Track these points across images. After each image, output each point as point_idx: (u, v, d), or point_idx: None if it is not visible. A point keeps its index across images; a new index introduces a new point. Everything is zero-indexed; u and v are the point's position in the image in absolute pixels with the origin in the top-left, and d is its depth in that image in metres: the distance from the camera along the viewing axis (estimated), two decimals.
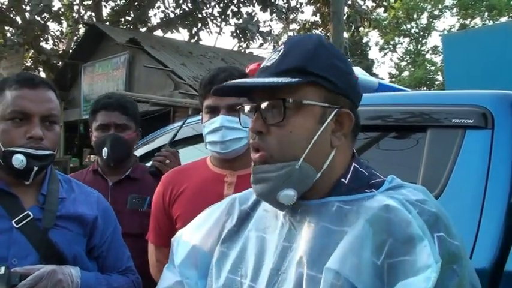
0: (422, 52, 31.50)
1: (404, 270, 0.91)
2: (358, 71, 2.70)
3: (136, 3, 18.07)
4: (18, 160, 1.58)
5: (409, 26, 31.38)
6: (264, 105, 1.07)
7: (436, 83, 28.40)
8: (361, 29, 18.89)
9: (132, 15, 18.30)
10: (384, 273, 0.92)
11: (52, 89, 1.70)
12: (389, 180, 1.08)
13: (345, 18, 13.69)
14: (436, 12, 30.77)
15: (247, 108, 1.14)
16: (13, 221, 1.61)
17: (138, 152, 3.11)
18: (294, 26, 20.35)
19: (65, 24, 19.18)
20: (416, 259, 0.91)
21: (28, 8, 16.44)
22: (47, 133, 1.63)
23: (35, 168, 1.61)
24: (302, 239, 1.05)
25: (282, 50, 1.09)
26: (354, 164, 1.10)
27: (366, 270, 0.93)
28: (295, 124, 1.04)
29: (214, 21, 18.39)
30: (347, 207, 1.03)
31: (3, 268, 1.49)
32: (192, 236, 1.29)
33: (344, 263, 0.95)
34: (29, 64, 18.92)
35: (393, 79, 29.45)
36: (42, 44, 17.89)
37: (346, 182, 1.07)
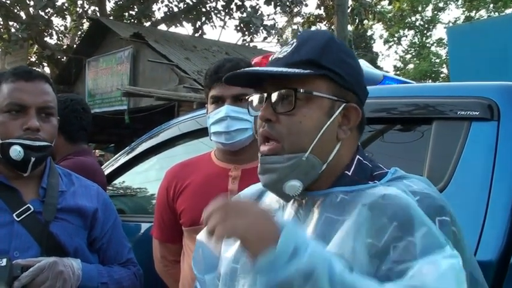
0: (427, 45, 31.35)
1: (405, 250, 0.92)
2: (362, 64, 2.69)
3: None
4: (16, 151, 1.59)
5: (413, 18, 31.23)
6: (274, 94, 1.08)
7: (441, 75, 28.30)
8: (365, 21, 18.83)
9: (136, 10, 18.27)
10: (386, 254, 0.94)
11: (48, 82, 1.71)
12: (392, 171, 1.11)
13: (349, 11, 13.66)
14: (441, 5, 30.59)
15: (256, 98, 1.15)
16: (14, 214, 1.62)
17: (142, 147, 3.12)
18: (298, 19, 20.32)
19: (69, 19, 19.21)
20: (418, 238, 0.92)
21: (32, 3, 16.43)
22: (43, 125, 1.64)
23: (32, 159, 1.62)
24: (306, 229, 1.07)
25: (294, 43, 1.12)
26: (358, 156, 1.12)
27: (363, 252, 0.95)
28: (305, 114, 1.06)
29: (218, 15, 18.37)
30: (349, 198, 1.05)
31: (4, 260, 1.50)
32: (205, 236, 1.32)
33: (342, 246, 0.98)
34: (33, 59, 18.95)
35: (398, 72, 29.35)
36: (47, 39, 17.89)
37: (350, 173, 1.09)
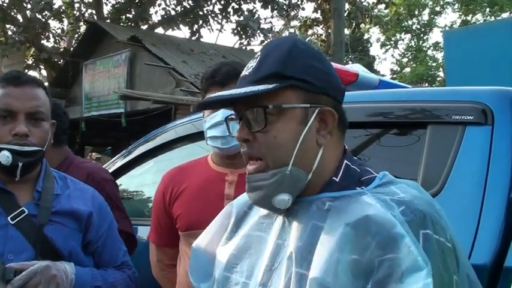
0: (424, 48, 31.43)
1: (390, 269, 0.91)
2: (359, 68, 2.71)
3: (137, 1, 18.05)
4: (4, 157, 1.60)
5: (410, 22, 31.31)
6: (246, 113, 1.08)
7: (438, 79, 28.35)
8: (362, 25, 18.86)
9: (133, 13, 18.26)
10: (371, 270, 0.93)
11: (41, 87, 1.72)
12: (380, 176, 1.09)
13: (346, 14, 13.69)
14: (438, 8, 30.69)
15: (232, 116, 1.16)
16: (9, 217, 1.63)
17: (139, 150, 3.12)
18: (295, 22, 20.38)
19: (66, 22, 19.16)
20: (401, 258, 0.92)
21: (29, 6, 16.43)
22: (33, 130, 1.65)
23: (20, 164, 1.62)
24: (293, 236, 1.07)
25: (258, 57, 1.10)
26: (345, 161, 1.11)
27: (346, 272, 0.94)
28: (278, 128, 1.05)
29: (215, 19, 18.37)
30: (334, 204, 1.04)
31: None
32: (201, 243, 1.32)
33: (324, 270, 0.96)
34: (30, 62, 18.93)
35: (395, 75, 29.40)
36: (44, 42, 17.88)
37: (337, 180, 1.08)
